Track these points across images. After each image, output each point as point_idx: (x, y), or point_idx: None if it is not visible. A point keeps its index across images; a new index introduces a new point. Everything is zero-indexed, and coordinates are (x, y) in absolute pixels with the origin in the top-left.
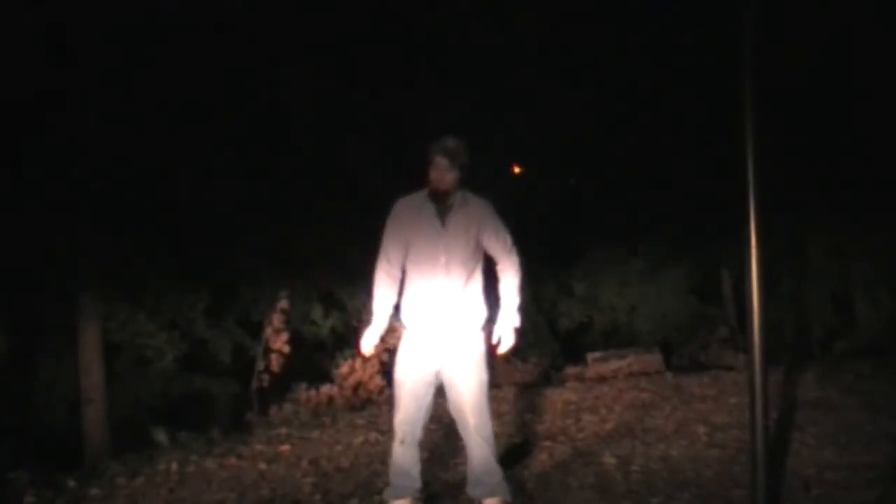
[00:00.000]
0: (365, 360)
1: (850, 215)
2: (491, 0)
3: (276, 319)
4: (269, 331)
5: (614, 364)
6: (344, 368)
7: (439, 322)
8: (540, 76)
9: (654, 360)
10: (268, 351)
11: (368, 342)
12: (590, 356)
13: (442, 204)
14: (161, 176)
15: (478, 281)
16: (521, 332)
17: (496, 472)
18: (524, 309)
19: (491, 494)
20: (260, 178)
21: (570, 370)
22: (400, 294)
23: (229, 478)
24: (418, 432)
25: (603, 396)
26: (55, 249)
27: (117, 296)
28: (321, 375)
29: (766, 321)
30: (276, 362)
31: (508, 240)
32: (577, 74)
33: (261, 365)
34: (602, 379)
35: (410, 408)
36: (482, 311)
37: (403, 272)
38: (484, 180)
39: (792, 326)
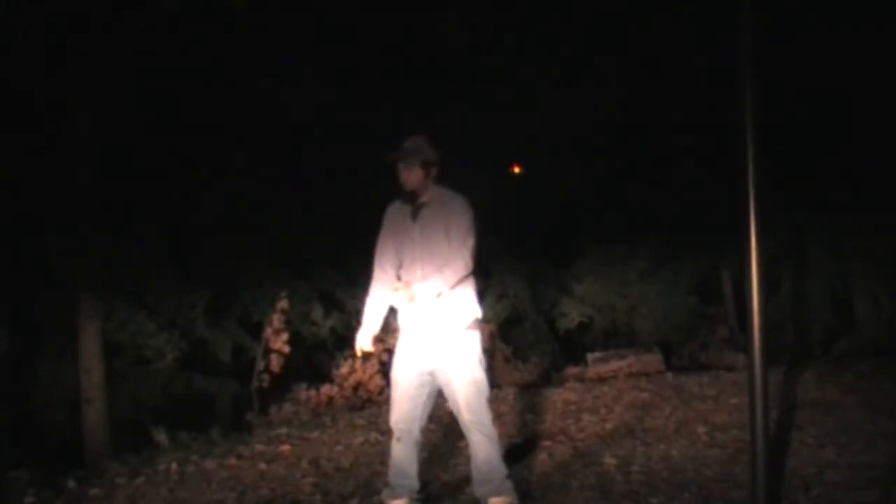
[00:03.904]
0: (358, 358)
1: (850, 215)
2: (492, 1)
3: (276, 319)
4: (269, 331)
5: (614, 364)
6: (344, 368)
7: (427, 321)
8: (540, 76)
9: (654, 360)
10: (268, 351)
11: (360, 341)
12: (590, 356)
13: (414, 203)
14: (161, 176)
15: (466, 279)
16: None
17: (500, 470)
18: (523, 310)
19: (496, 493)
20: (260, 178)
21: (570, 370)
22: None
23: (229, 478)
24: (416, 432)
25: (603, 396)
26: (55, 250)
27: (117, 296)
28: (321, 375)
29: (766, 321)
30: (276, 362)
31: (456, 245)
32: (578, 75)
33: (261, 365)
34: (602, 379)
35: (405, 406)
36: (472, 310)
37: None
38: (484, 180)
39: (792, 326)
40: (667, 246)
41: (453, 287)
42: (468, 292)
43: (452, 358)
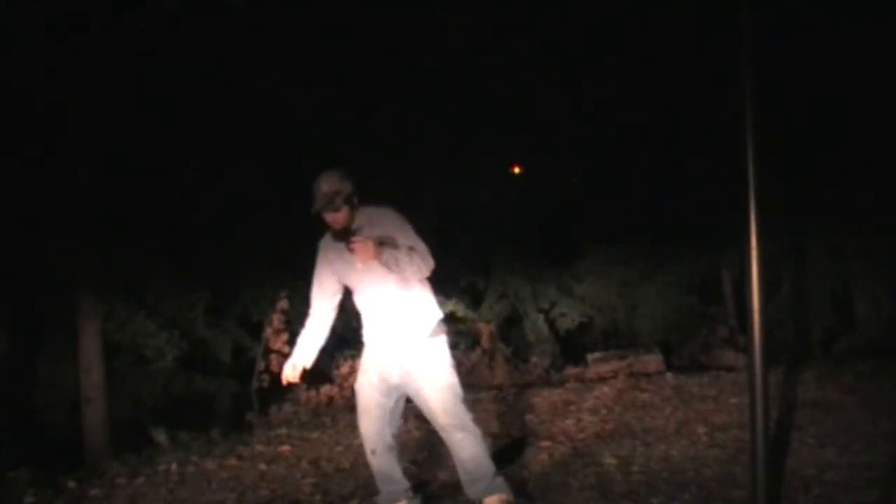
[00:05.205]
0: (287, 387)
1: (850, 215)
2: (493, 2)
3: (276, 319)
4: (269, 331)
5: (614, 364)
6: (344, 369)
7: (388, 335)
8: (540, 76)
9: (654, 360)
10: (268, 351)
11: (286, 371)
12: (590, 357)
13: (346, 236)
14: (161, 176)
15: (419, 285)
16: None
17: (488, 466)
18: (523, 310)
19: (489, 491)
20: (260, 178)
21: (571, 370)
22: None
23: (229, 478)
24: (388, 438)
25: (603, 397)
26: (55, 250)
27: (117, 296)
28: (321, 376)
29: (766, 321)
30: (276, 362)
31: (409, 245)
32: (578, 75)
33: (261, 365)
34: (602, 379)
35: (373, 413)
36: (432, 314)
37: (346, 300)
38: (484, 181)
39: (792, 326)
40: (667, 246)
41: (412, 275)
42: (425, 295)
43: (422, 369)
